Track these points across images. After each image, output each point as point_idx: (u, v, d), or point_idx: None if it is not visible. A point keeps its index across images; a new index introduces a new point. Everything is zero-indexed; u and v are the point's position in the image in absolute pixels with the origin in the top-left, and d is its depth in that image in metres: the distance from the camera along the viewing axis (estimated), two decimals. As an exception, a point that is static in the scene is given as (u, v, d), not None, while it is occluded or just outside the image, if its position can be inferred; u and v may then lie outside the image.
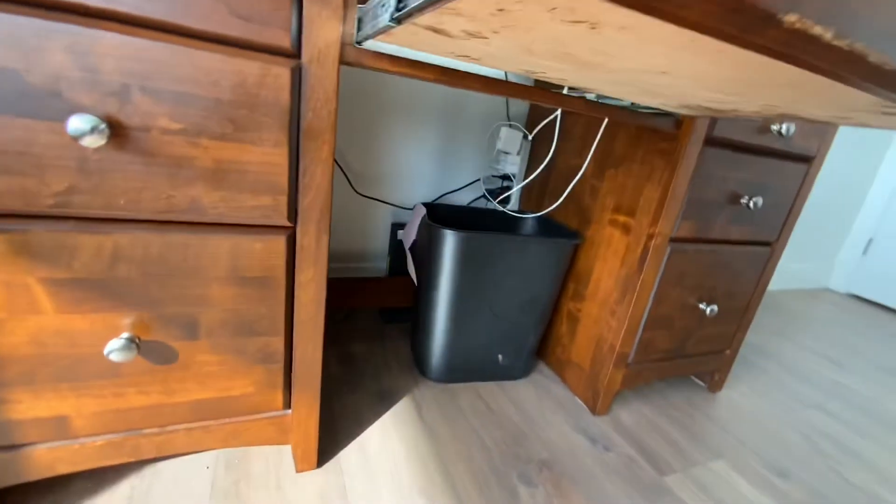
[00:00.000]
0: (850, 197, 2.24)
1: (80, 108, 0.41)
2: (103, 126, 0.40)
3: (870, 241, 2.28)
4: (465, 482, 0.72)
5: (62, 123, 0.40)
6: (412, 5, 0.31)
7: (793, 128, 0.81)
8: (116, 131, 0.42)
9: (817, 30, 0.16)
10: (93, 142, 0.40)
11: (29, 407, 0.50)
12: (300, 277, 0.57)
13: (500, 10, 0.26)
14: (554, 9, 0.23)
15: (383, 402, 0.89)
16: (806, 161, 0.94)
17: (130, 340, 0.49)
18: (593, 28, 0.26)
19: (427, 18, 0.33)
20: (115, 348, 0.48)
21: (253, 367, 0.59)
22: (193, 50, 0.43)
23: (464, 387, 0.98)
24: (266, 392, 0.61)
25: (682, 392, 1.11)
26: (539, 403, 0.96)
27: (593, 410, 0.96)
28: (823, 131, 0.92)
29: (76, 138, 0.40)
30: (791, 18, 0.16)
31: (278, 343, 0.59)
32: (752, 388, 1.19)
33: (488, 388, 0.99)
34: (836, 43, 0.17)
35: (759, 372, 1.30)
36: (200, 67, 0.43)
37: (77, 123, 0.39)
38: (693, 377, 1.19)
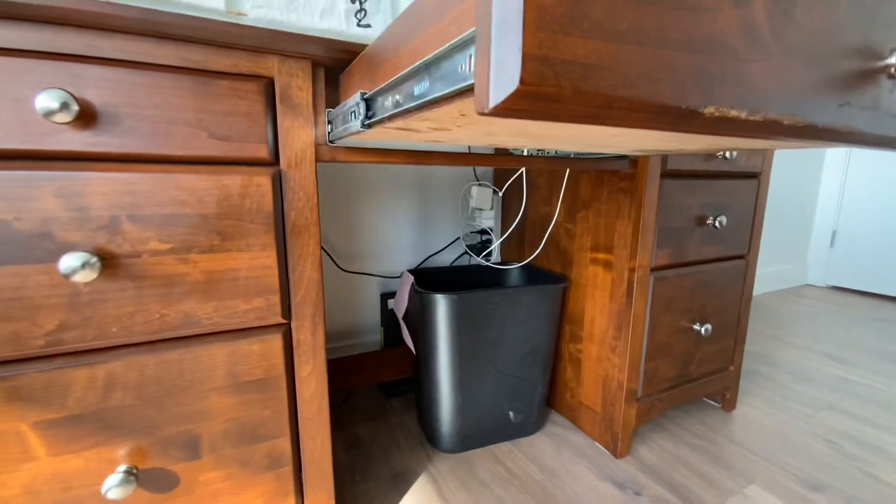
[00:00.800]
0: (806, 196, 2.39)
1: (70, 247, 0.42)
2: (94, 260, 0.41)
3: (834, 233, 2.41)
4: (499, 561, 0.67)
5: (53, 264, 0.41)
6: (381, 116, 0.35)
7: (735, 152, 0.88)
8: (107, 262, 0.43)
9: (733, 113, 0.20)
10: (84, 277, 0.41)
11: (20, 569, 0.45)
12: (300, 373, 0.56)
13: (463, 115, 0.29)
14: (510, 111, 0.27)
15: (398, 485, 0.84)
16: (754, 177, 1.01)
17: (128, 473, 0.47)
18: (546, 118, 0.30)
19: (395, 123, 0.36)
20: (112, 485, 0.45)
21: (260, 475, 0.56)
22: (178, 174, 0.45)
23: (479, 453, 0.94)
24: (277, 501, 0.58)
25: (698, 416, 1.10)
26: (559, 457, 0.93)
27: (614, 453, 0.93)
28: (764, 149, 1.00)
29: (68, 276, 0.40)
30: (710, 110, 0.19)
31: (285, 444, 0.57)
32: (764, 400, 1.19)
33: (504, 449, 0.95)
34: (752, 118, 0.20)
35: (766, 381, 1.30)
36: (186, 188, 0.45)
37: (69, 262, 0.40)
38: (705, 398, 1.18)
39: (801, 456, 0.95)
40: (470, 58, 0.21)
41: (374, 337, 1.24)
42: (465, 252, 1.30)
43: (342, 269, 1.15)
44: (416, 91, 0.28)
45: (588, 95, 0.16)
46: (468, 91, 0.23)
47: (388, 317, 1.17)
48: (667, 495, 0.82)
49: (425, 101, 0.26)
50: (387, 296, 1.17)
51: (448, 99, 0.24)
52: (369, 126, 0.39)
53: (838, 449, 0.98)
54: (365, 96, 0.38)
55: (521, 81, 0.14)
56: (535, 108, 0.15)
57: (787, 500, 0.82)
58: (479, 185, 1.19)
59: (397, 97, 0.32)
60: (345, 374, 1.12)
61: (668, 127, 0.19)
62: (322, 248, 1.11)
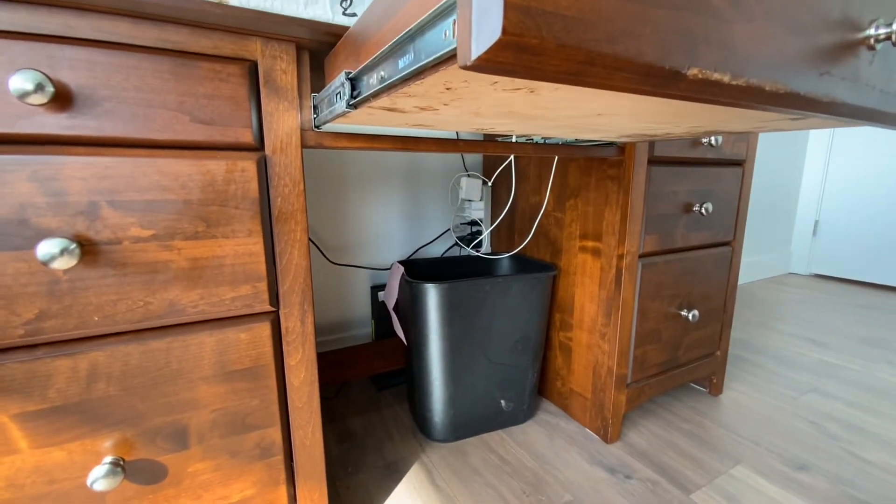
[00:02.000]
0: (789, 187, 2.43)
1: (48, 233, 0.40)
2: (73, 246, 0.40)
3: (816, 223, 2.46)
4: (493, 546, 0.68)
5: (30, 251, 0.40)
6: (366, 94, 0.34)
7: (720, 138, 0.90)
8: (87, 248, 0.42)
9: (717, 76, 0.20)
10: (63, 263, 0.40)
11: (3, 565, 0.44)
12: (289, 361, 0.56)
13: (448, 88, 0.29)
14: (496, 82, 0.26)
15: (392, 475, 0.84)
16: (739, 164, 1.03)
17: (115, 464, 0.46)
18: (532, 91, 0.30)
19: (381, 102, 0.36)
20: (98, 476, 0.44)
21: (251, 465, 0.55)
22: (159, 159, 0.44)
23: (471, 441, 0.94)
24: (268, 491, 0.57)
25: (686, 402, 1.12)
26: (550, 443, 0.94)
27: (605, 439, 0.94)
28: (747, 136, 1.01)
29: (46, 263, 0.39)
30: (693, 71, 0.19)
31: (275, 433, 0.56)
32: (750, 385, 1.21)
33: (496, 438, 0.96)
34: (735, 83, 0.21)
35: (751, 366, 1.32)
36: (168, 174, 0.44)
37: (46, 248, 0.39)
38: (693, 384, 1.20)
39: (786, 437, 0.97)
40: (454, 23, 0.21)
41: (364, 330, 1.23)
42: (455, 243, 1.30)
43: (331, 261, 1.15)
44: (401, 64, 0.28)
45: (570, 49, 0.15)
46: (452, 58, 0.22)
47: (378, 309, 1.17)
48: (656, 477, 0.84)
49: (409, 73, 0.26)
50: (377, 288, 1.17)
51: (433, 68, 0.24)
52: (354, 106, 0.38)
53: (822, 430, 1.00)
54: (350, 75, 0.38)
55: (504, 31, 0.14)
56: (517, 62, 0.15)
57: (773, 479, 0.84)
58: (469, 175, 1.18)
59: (382, 73, 0.31)
60: (336, 366, 1.12)
61: (652, 89, 0.19)
62: (311, 240, 1.10)
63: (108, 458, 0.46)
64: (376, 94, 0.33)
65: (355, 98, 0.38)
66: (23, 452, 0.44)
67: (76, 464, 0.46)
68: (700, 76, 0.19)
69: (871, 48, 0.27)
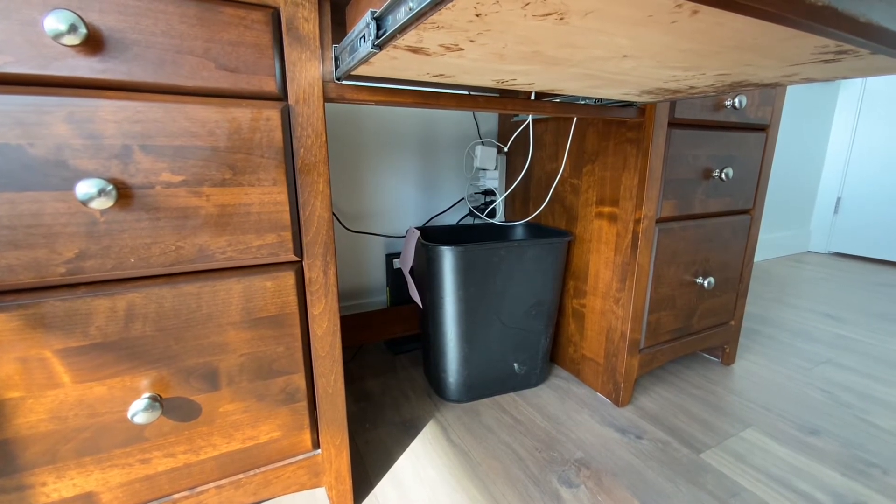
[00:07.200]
0: (812, 164, 2.37)
1: (85, 174, 0.42)
2: (110, 188, 0.41)
3: (838, 200, 2.39)
4: (506, 495, 0.70)
5: (69, 192, 0.42)
6: (393, 28, 0.35)
7: (744, 100, 0.87)
8: (122, 192, 0.44)
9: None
10: (101, 204, 0.41)
11: (53, 489, 0.48)
12: (313, 311, 0.57)
13: (478, 15, 0.29)
14: (527, 4, 0.26)
15: (408, 431, 0.87)
16: (762, 129, 1.00)
17: (153, 400, 0.49)
18: (561, 19, 0.30)
19: (407, 39, 0.36)
20: (139, 409, 0.47)
21: (277, 409, 0.58)
22: (188, 105, 0.45)
23: (485, 402, 0.97)
24: (293, 434, 0.60)
25: (698, 370, 1.12)
26: (562, 406, 0.96)
27: (616, 403, 0.96)
28: (772, 100, 0.99)
29: (85, 202, 0.41)
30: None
31: (299, 380, 0.58)
32: (764, 356, 1.21)
33: (509, 400, 0.98)
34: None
35: (766, 339, 1.32)
36: (196, 120, 0.45)
37: (85, 188, 0.40)
38: (705, 354, 1.21)
39: (798, 404, 0.98)
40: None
41: (380, 297, 1.25)
42: (470, 213, 1.30)
43: (348, 228, 1.16)
44: (431, -10, 0.28)
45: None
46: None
47: (393, 276, 1.19)
48: (667, 438, 0.85)
49: (441, -7, 0.26)
50: (392, 256, 1.18)
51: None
52: (380, 46, 0.39)
53: (835, 398, 1.00)
54: (375, 14, 0.38)
55: None
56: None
57: (784, 442, 0.85)
58: (484, 143, 1.18)
59: (410, 4, 0.31)
60: (353, 330, 1.15)
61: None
62: (327, 207, 1.11)
63: (147, 395, 0.49)
64: (403, 28, 0.33)
65: (381, 37, 0.38)
66: (66, 386, 0.46)
67: (116, 399, 0.48)
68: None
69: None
